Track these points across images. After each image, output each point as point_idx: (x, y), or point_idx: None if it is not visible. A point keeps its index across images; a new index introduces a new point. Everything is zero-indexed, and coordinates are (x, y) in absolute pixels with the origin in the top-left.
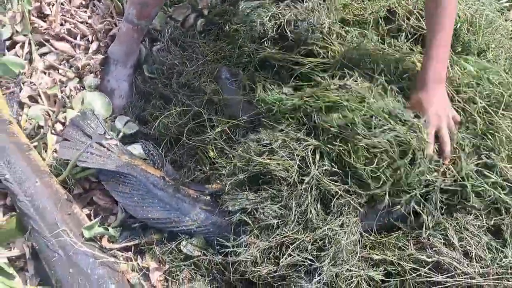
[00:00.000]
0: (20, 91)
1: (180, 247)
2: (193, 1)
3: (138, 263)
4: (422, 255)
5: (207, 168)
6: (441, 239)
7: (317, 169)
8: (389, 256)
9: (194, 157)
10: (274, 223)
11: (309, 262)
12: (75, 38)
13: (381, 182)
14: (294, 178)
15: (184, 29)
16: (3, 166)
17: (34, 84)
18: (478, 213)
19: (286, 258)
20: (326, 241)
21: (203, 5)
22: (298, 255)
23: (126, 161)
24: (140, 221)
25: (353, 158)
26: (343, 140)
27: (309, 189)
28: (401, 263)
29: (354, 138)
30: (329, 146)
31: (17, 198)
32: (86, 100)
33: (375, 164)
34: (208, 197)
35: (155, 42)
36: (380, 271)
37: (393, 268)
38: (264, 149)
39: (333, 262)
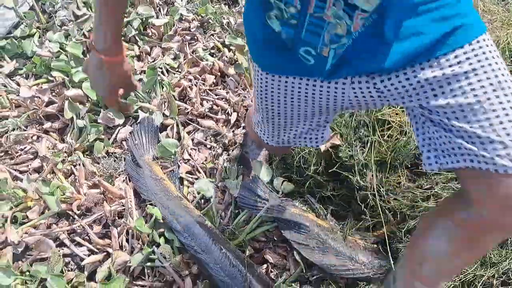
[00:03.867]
0: (178, 169)
1: None
2: None
3: None
4: None
5: (367, 216)
6: None
7: None
8: None
9: (349, 209)
10: None
11: None
12: (216, 114)
13: None
14: None
15: None
16: (189, 238)
17: (188, 160)
18: None
19: None
20: (510, 274)
21: None
22: None
23: (298, 213)
24: (315, 274)
25: None
26: None
27: None
28: None
29: None
30: None
31: (209, 266)
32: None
33: None
34: (375, 245)
35: None
36: None
37: None
38: (428, 194)
39: None
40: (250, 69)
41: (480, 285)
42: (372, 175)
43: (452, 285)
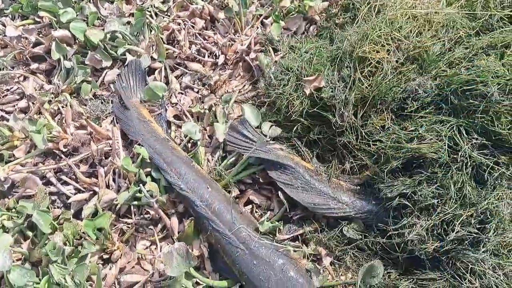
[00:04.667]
0: (165, 112)
1: (343, 232)
2: (303, 10)
3: (308, 251)
4: None
5: (350, 161)
6: None
7: (466, 145)
8: None
9: (334, 152)
10: (434, 202)
11: (474, 235)
12: (204, 56)
13: None
14: (445, 158)
15: (298, 36)
16: (176, 177)
17: (176, 104)
18: None
19: (452, 233)
20: (488, 214)
21: (311, 13)
22: (463, 229)
23: (284, 155)
24: (298, 213)
25: (497, 125)
26: (483, 112)
27: (463, 167)
28: None
29: (494, 106)
30: (471, 120)
31: (195, 204)
32: (241, 111)
33: None
34: (358, 187)
35: (276, 52)
36: None
37: None
38: (412, 136)
39: (496, 232)
40: (240, 13)
41: (459, 224)
42: (348, 115)
43: (432, 224)
